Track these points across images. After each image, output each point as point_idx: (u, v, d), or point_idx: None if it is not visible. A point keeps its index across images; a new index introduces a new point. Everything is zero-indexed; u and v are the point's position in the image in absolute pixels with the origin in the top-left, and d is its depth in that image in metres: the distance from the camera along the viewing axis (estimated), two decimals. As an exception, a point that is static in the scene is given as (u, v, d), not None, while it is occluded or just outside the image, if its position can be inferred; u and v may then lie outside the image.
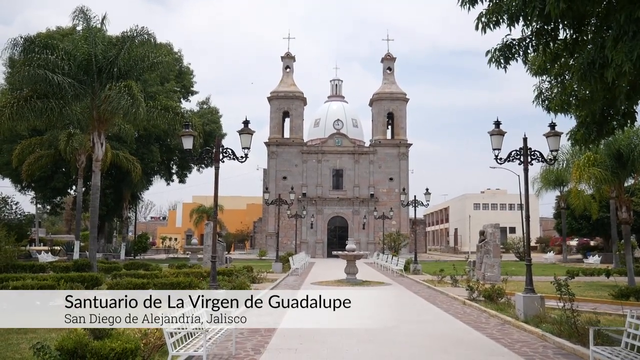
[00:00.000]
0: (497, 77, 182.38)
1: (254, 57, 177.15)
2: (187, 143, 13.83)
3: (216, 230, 15.42)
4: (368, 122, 64.75)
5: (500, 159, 13.72)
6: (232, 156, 13.80)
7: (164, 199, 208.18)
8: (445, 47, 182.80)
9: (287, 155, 59.48)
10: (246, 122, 13.84)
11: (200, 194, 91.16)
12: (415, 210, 31.26)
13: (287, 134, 61.59)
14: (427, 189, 30.54)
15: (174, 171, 52.62)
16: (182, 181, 53.54)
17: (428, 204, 30.53)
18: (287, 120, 62.01)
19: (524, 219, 13.55)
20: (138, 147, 40.86)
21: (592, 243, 58.78)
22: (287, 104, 60.61)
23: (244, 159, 13.75)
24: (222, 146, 13.77)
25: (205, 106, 51.18)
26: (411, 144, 59.95)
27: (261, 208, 65.31)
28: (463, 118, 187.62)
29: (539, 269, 35.31)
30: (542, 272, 32.33)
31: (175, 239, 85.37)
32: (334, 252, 30.06)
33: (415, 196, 30.75)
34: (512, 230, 73.36)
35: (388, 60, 62.22)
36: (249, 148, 13.75)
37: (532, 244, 76.21)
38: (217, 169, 13.77)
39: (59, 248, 46.18)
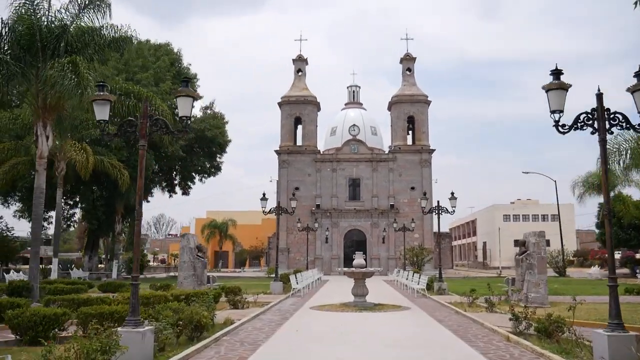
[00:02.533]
0: (522, 88, 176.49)
1: (268, 73, 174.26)
2: (101, 112, 9.58)
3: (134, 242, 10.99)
4: (388, 131, 60.06)
5: (564, 125, 9.14)
6: (164, 129, 9.48)
7: (185, 214, 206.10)
8: (468, 58, 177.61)
9: (300, 164, 55.14)
10: (187, 81, 9.55)
11: (214, 209, 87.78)
12: (439, 218, 26.53)
13: (299, 142, 57.33)
14: (452, 193, 25.88)
15: (176, 182, 48.72)
16: (185, 193, 49.55)
17: (454, 211, 25.79)
18: (300, 127, 57.80)
19: (606, 212, 8.92)
20: (130, 154, 36.97)
21: (638, 256, 52.90)
22: (298, 109, 56.41)
23: (182, 131, 9.45)
24: (151, 116, 9.47)
25: (209, 111, 47.36)
26: (434, 150, 55.08)
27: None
28: (487, 130, 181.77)
29: (586, 286, 30.20)
30: (593, 290, 27.33)
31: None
32: (338, 269, 25.53)
33: (438, 201, 26.07)
34: (547, 243, 67.55)
35: (407, 61, 57.67)
36: (189, 118, 9.43)
37: (569, 257, 70.36)
38: (142, 148, 9.47)
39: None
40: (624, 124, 9.04)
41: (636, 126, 9.09)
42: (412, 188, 54.27)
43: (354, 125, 58.46)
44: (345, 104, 66.24)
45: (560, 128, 9.12)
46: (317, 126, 57.77)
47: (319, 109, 58.27)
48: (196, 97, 9.62)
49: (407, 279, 29.57)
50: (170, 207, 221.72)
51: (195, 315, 11.06)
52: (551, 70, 9.29)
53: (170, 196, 48.78)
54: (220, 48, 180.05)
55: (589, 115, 9.09)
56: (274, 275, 43.30)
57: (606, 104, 9.08)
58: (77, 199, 42.83)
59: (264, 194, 26.19)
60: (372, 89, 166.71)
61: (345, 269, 20.59)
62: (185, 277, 19.41)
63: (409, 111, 55.95)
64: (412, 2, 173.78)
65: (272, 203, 27.01)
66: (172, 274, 52.85)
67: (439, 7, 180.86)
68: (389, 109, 58.46)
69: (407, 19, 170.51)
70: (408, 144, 56.41)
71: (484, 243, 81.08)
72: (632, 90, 9.05)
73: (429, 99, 56.46)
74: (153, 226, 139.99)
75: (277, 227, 28.70)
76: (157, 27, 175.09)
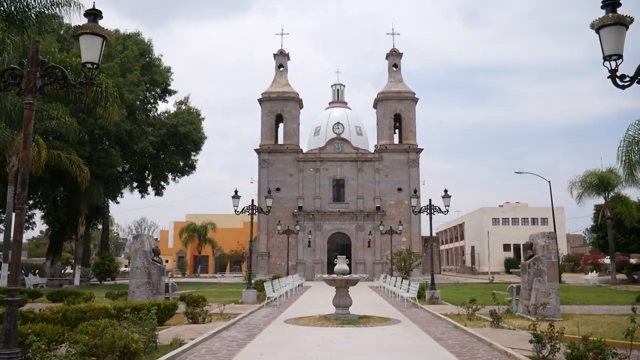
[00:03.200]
0: (506, 94, 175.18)
1: (255, 76, 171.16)
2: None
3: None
4: (374, 134, 57.24)
5: (623, 76, 6.54)
6: (62, 81, 6.73)
7: (168, 219, 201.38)
8: (453, 64, 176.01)
9: (281, 164, 52.29)
10: (93, 14, 6.82)
11: (194, 212, 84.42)
12: (431, 219, 23.93)
13: (280, 141, 54.49)
14: (445, 191, 23.30)
15: (149, 182, 45.66)
16: (158, 193, 46.51)
17: (447, 210, 23.23)
18: (281, 125, 54.99)
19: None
20: (93, 150, 33.95)
21: (632, 261, 50.84)
22: (280, 105, 53.58)
23: (86, 84, 6.73)
24: (43, 63, 6.73)
25: (183, 106, 44.42)
26: (422, 149, 52.50)
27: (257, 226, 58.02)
28: (477, 136, 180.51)
29: (589, 294, 27.75)
30: (598, 298, 24.97)
31: (167, 261, 78.02)
32: (318, 275, 22.82)
33: (430, 200, 23.48)
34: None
35: (394, 56, 55.17)
36: (97, 65, 6.72)
37: (562, 262, 68.33)
38: (29, 107, 6.70)
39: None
40: None
41: None
42: (399, 189, 51.73)
43: (338, 123, 55.78)
44: (330, 103, 63.48)
45: (618, 80, 6.50)
46: (299, 124, 54.98)
47: (301, 106, 55.52)
48: (107, 37, 6.86)
49: (395, 285, 27.00)
50: (153, 211, 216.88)
51: (119, 339, 8.26)
52: (603, 1, 6.68)
53: (142, 197, 45.80)
54: (209, 51, 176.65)
55: (656, 63, 6.50)
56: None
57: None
58: (39, 199, 39.58)
59: (236, 192, 23.44)
60: (356, 94, 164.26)
61: (326, 275, 17.82)
62: (138, 285, 16.55)
63: (396, 109, 53.41)
64: (396, 10, 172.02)
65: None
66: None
67: (423, 15, 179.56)
68: (375, 106, 55.86)
69: (393, 25, 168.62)
70: (395, 143, 53.87)
71: (472, 247, 78.84)
72: None
73: (415, 96, 54.00)
74: (134, 230, 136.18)
75: (251, 228, 25.85)
76: (141, 30, 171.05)
